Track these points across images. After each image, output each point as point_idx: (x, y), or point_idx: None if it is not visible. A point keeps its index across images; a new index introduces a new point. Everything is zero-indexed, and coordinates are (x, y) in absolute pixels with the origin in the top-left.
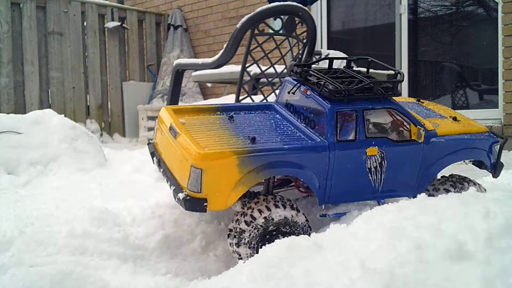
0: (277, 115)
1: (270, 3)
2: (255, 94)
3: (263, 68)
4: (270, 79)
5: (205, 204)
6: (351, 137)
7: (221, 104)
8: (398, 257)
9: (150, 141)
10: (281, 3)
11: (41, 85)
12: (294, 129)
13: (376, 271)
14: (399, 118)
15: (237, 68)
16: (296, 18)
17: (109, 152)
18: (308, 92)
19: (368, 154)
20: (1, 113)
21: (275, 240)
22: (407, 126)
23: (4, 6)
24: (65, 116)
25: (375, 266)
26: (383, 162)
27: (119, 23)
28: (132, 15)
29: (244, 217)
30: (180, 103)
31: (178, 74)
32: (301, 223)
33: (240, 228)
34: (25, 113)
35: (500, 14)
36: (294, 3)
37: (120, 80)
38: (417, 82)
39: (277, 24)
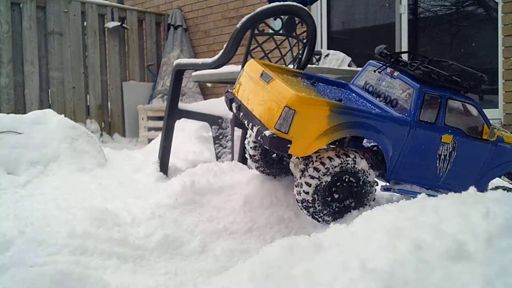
0: (353, 94)
1: (270, 3)
2: None
3: None
4: None
5: (288, 145)
6: (432, 120)
7: (303, 71)
8: (398, 257)
9: (229, 91)
10: (281, 3)
11: (41, 85)
12: (371, 105)
13: (376, 271)
14: (475, 115)
15: (237, 68)
16: (296, 18)
17: (109, 152)
18: (396, 73)
19: (442, 141)
20: (1, 113)
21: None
22: (481, 124)
23: (4, 6)
24: (65, 116)
25: (375, 266)
26: (453, 152)
27: (119, 23)
28: (132, 15)
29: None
30: (180, 103)
31: (178, 74)
32: (371, 180)
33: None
34: (25, 113)
35: (500, 14)
36: (294, 3)
37: (120, 80)
38: None
39: (277, 24)
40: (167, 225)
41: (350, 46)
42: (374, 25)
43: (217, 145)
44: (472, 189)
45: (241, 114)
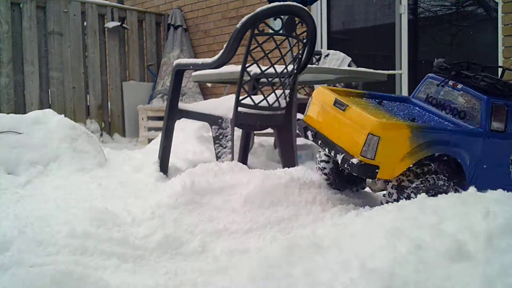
0: (417, 107)
1: (270, 3)
2: (255, 94)
3: (263, 68)
4: (270, 79)
5: (376, 170)
6: (501, 128)
7: (366, 91)
8: (398, 257)
9: (299, 119)
10: (281, 3)
11: (41, 85)
12: (440, 119)
13: (376, 271)
14: None
15: (237, 68)
16: (296, 18)
17: (109, 152)
18: (459, 86)
19: None
20: (1, 113)
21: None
22: None
23: (4, 6)
24: (65, 116)
25: (375, 266)
26: None
27: (119, 23)
28: (132, 15)
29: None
30: (180, 103)
31: (178, 74)
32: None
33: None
34: (25, 113)
35: (500, 14)
36: (294, 3)
37: (120, 80)
38: (417, 82)
39: (277, 24)
40: (167, 225)
41: (350, 46)
42: (374, 25)
43: (217, 145)
44: (472, 189)
45: (319, 141)
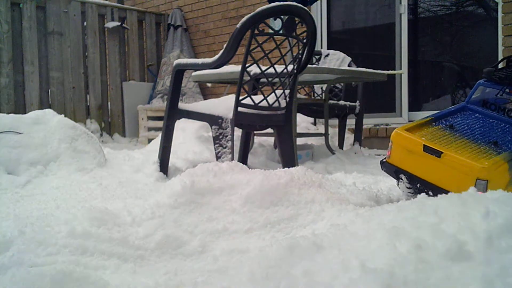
0: (477, 114)
1: (270, 3)
2: (255, 94)
3: (263, 68)
4: (270, 79)
5: None
6: None
7: (431, 116)
8: (398, 257)
9: (383, 160)
10: (281, 3)
11: (41, 85)
12: (509, 125)
13: (376, 271)
14: None
15: (237, 68)
16: (296, 18)
17: (109, 152)
18: None
19: None
20: (1, 113)
21: None
22: None
23: (4, 6)
24: (65, 116)
25: (375, 266)
26: None
27: (119, 23)
28: (132, 15)
29: None
30: (180, 103)
31: (178, 74)
32: None
33: None
34: (25, 113)
35: (500, 14)
36: (294, 3)
37: (120, 80)
38: (417, 82)
39: (277, 24)
40: (167, 225)
41: (350, 46)
42: (374, 25)
43: (217, 145)
44: (471, 189)
45: (418, 184)
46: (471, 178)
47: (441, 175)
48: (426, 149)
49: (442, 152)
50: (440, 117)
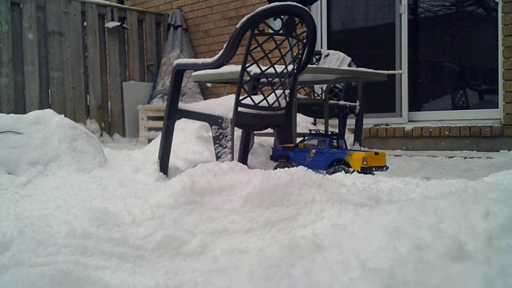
0: None
1: (270, 3)
2: (255, 94)
3: (263, 68)
4: (270, 79)
5: None
6: None
7: None
8: (398, 257)
9: None
10: (281, 3)
11: (41, 85)
12: None
13: (376, 271)
14: None
15: (237, 68)
16: (296, 18)
17: (109, 152)
18: None
19: None
20: (1, 113)
21: None
22: None
23: (4, 6)
24: (65, 116)
25: (375, 266)
26: None
27: (119, 23)
28: (132, 15)
29: None
30: (180, 103)
31: (178, 74)
32: None
33: None
34: (25, 113)
35: (500, 14)
36: (294, 3)
37: (120, 80)
38: (417, 82)
39: (277, 24)
40: (167, 225)
41: (350, 46)
42: (374, 25)
43: (217, 145)
44: (472, 189)
45: None
46: None
47: None
48: None
49: None
50: None
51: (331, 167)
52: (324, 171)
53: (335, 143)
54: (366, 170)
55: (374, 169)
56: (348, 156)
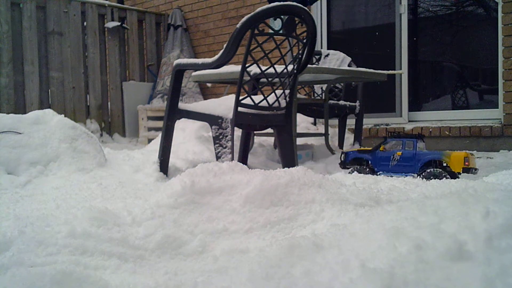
0: None
1: (270, 3)
2: (255, 94)
3: (263, 68)
4: (270, 79)
5: None
6: None
7: None
8: (398, 257)
9: None
10: (281, 3)
11: (41, 85)
12: None
13: (376, 271)
14: None
15: (237, 68)
16: (296, 18)
17: (109, 152)
18: None
19: None
20: (1, 113)
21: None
22: None
23: (4, 6)
24: (65, 116)
25: (375, 266)
26: None
27: (119, 23)
28: (132, 15)
29: None
30: (180, 103)
31: (178, 74)
32: None
33: None
34: (25, 113)
35: (500, 14)
36: (294, 3)
37: (120, 80)
38: (417, 82)
39: (277, 24)
40: (167, 225)
41: (350, 46)
42: (374, 25)
43: (217, 145)
44: (471, 189)
45: None
46: None
47: None
48: None
49: None
50: None
51: (423, 170)
52: (415, 175)
53: (420, 145)
54: (468, 171)
55: (473, 170)
56: (445, 157)
